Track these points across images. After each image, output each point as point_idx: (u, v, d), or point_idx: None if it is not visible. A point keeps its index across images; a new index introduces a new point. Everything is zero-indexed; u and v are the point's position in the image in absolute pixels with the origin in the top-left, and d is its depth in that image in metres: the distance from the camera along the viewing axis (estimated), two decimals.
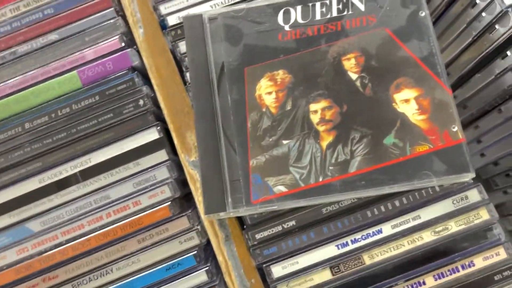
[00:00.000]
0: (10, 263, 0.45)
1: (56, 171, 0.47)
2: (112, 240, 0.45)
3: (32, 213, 0.47)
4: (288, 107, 0.45)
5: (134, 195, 0.46)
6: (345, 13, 0.46)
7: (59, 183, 0.47)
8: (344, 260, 0.42)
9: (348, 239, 0.42)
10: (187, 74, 0.49)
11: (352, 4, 0.47)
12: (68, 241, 0.46)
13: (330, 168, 0.42)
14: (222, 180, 0.43)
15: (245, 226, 0.44)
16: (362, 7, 0.46)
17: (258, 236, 0.44)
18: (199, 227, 0.45)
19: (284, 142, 0.44)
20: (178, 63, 0.50)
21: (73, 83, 0.50)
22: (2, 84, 0.50)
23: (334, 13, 0.47)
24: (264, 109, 0.45)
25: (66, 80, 0.50)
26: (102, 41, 0.51)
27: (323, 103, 0.44)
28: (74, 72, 0.50)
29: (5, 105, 0.49)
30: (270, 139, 0.44)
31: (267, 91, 0.45)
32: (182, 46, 0.50)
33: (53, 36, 0.51)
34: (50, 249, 0.45)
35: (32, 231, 0.46)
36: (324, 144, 0.43)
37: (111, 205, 0.46)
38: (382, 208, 0.43)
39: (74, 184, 0.47)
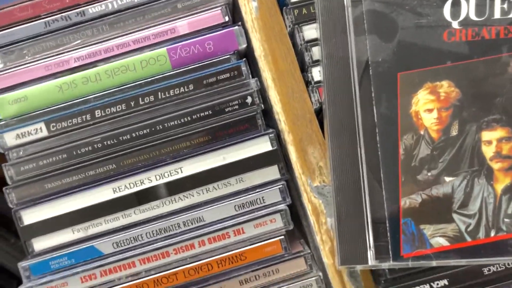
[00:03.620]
0: None
1: (136, 179, 0.37)
2: (206, 277, 0.36)
3: (102, 230, 0.37)
4: (454, 133, 0.34)
5: (236, 220, 0.36)
6: None
7: (139, 195, 0.37)
8: None
9: None
10: (312, 70, 0.38)
11: None
12: (148, 273, 0.36)
13: (506, 220, 0.33)
14: (362, 222, 0.33)
15: (382, 280, 0.35)
16: None
17: None
18: (320, 273, 0.35)
19: (447, 179, 0.34)
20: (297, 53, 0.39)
21: (161, 64, 0.38)
22: (65, 53, 0.39)
23: None
24: (422, 132, 0.34)
25: (151, 59, 0.38)
26: (199, 12, 0.39)
27: (500, 132, 0.34)
28: (163, 49, 0.38)
29: (70, 83, 0.38)
30: (429, 174, 0.34)
31: (426, 108, 0.35)
32: (307, 32, 0.39)
33: None
34: (125, 280, 0.36)
35: (101, 253, 0.36)
36: (499, 187, 0.33)
37: (205, 230, 0.36)
38: None
39: (159, 198, 0.37)
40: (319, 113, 0.38)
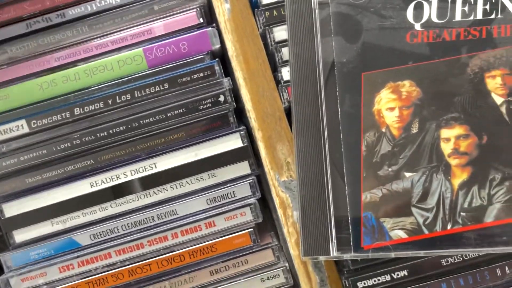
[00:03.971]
0: (51, 282, 0.37)
1: (113, 174, 0.38)
2: (179, 268, 0.37)
3: (80, 223, 0.38)
4: (414, 130, 0.36)
5: (207, 213, 0.38)
6: (493, 16, 0.37)
7: (115, 189, 0.38)
8: None
9: None
10: (282, 70, 0.40)
11: (504, 7, 0.37)
12: (123, 263, 0.38)
13: (462, 214, 0.34)
14: (325, 215, 0.35)
15: (345, 270, 0.36)
16: None
17: (360, 285, 0.36)
18: (287, 264, 0.37)
19: (407, 174, 0.35)
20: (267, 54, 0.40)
21: (137, 64, 0.40)
22: (46, 53, 0.40)
23: (479, 15, 0.37)
24: (383, 129, 0.36)
25: (128, 59, 0.40)
26: (175, 13, 0.41)
27: (458, 130, 0.36)
28: (140, 49, 0.40)
29: (50, 82, 0.39)
30: (390, 169, 0.35)
31: (388, 106, 0.36)
32: (278, 33, 0.40)
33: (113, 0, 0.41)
34: (102, 270, 0.37)
35: (79, 245, 0.38)
36: (456, 182, 0.35)
37: (178, 223, 0.38)
38: None
39: (134, 192, 0.38)
40: (289, 111, 0.39)
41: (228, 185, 0.38)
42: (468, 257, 0.36)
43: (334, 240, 0.35)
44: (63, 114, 0.39)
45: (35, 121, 0.39)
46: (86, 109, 0.39)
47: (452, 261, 0.36)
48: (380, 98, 0.36)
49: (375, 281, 0.36)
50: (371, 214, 0.35)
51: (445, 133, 0.36)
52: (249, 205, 0.38)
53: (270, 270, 0.37)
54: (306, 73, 0.37)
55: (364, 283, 0.36)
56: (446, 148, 0.35)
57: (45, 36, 0.40)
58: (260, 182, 0.40)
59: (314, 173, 0.36)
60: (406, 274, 0.36)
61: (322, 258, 0.35)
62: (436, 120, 0.36)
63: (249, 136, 0.39)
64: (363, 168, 0.35)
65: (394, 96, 0.36)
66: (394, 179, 0.35)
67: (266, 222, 0.41)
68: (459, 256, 0.36)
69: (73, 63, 0.40)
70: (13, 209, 0.38)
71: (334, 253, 0.34)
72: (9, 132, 0.39)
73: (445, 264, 0.36)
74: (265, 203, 0.42)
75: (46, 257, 0.38)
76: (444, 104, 0.36)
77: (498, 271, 0.36)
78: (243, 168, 0.39)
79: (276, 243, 0.37)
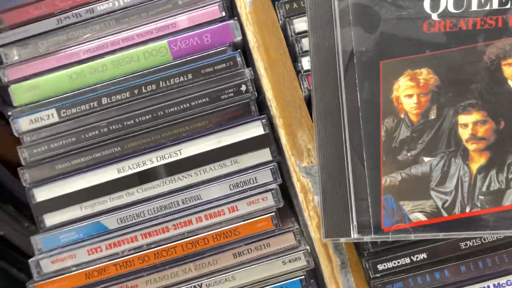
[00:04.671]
0: (80, 264, 0.39)
1: (139, 160, 0.40)
2: (203, 250, 0.39)
3: (108, 207, 0.40)
4: (432, 116, 0.37)
5: (230, 198, 0.39)
6: (509, 6, 0.38)
7: (141, 175, 0.40)
8: None
9: (490, 283, 0.36)
10: (302, 60, 0.41)
11: None
12: (149, 246, 0.39)
13: (480, 197, 0.35)
14: (346, 198, 0.36)
15: (365, 253, 0.37)
16: None
17: (380, 267, 0.37)
18: (308, 247, 0.38)
19: (426, 159, 0.36)
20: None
21: (162, 55, 0.41)
22: (75, 46, 0.42)
23: (495, 5, 0.38)
24: (402, 115, 0.37)
25: (153, 51, 0.41)
26: (199, 7, 0.42)
27: (475, 116, 0.36)
28: (164, 41, 0.41)
29: (79, 73, 0.41)
30: (408, 154, 0.36)
31: (406, 93, 0.37)
32: (298, 24, 0.42)
33: None
34: (128, 253, 0.39)
35: (106, 228, 0.39)
36: (474, 166, 0.36)
37: (202, 207, 0.39)
38: None
39: (159, 178, 0.40)
40: (308, 100, 0.40)
41: (250, 171, 0.39)
42: (487, 240, 0.37)
43: (355, 223, 0.35)
44: (91, 103, 0.41)
45: (64, 110, 0.41)
46: (113, 98, 0.41)
47: (471, 244, 0.37)
48: (399, 85, 0.37)
49: (395, 263, 0.37)
50: (390, 197, 0.36)
51: (462, 119, 0.36)
52: (270, 190, 0.39)
53: (291, 253, 0.38)
54: (326, 62, 0.38)
55: (384, 266, 0.37)
56: (464, 133, 0.36)
57: (74, 30, 0.42)
58: (281, 170, 0.41)
59: (334, 158, 0.37)
60: (426, 257, 0.37)
61: (343, 240, 0.36)
62: (454, 107, 0.36)
63: (270, 124, 0.40)
64: (382, 153, 0.36)
65: (412, 83, 0.37)
66: (413, 164, 0.36)
67: (286, 208, 0.42)
68: (478, 240, 0.37)
69: (101, 55, 0.42)
70: (43, 194, 0.40)
71: (354, 235, 0.35)
72: (40, 120, 0.41)
73: (464, 247, 0.37)
74: (285, 191, 0.43)
75: (75, 240, 0.39)
76: (461, 91, 0.37)
77: None
78: (264, 154, 0.40)
79: (297, 227, 0.38)
